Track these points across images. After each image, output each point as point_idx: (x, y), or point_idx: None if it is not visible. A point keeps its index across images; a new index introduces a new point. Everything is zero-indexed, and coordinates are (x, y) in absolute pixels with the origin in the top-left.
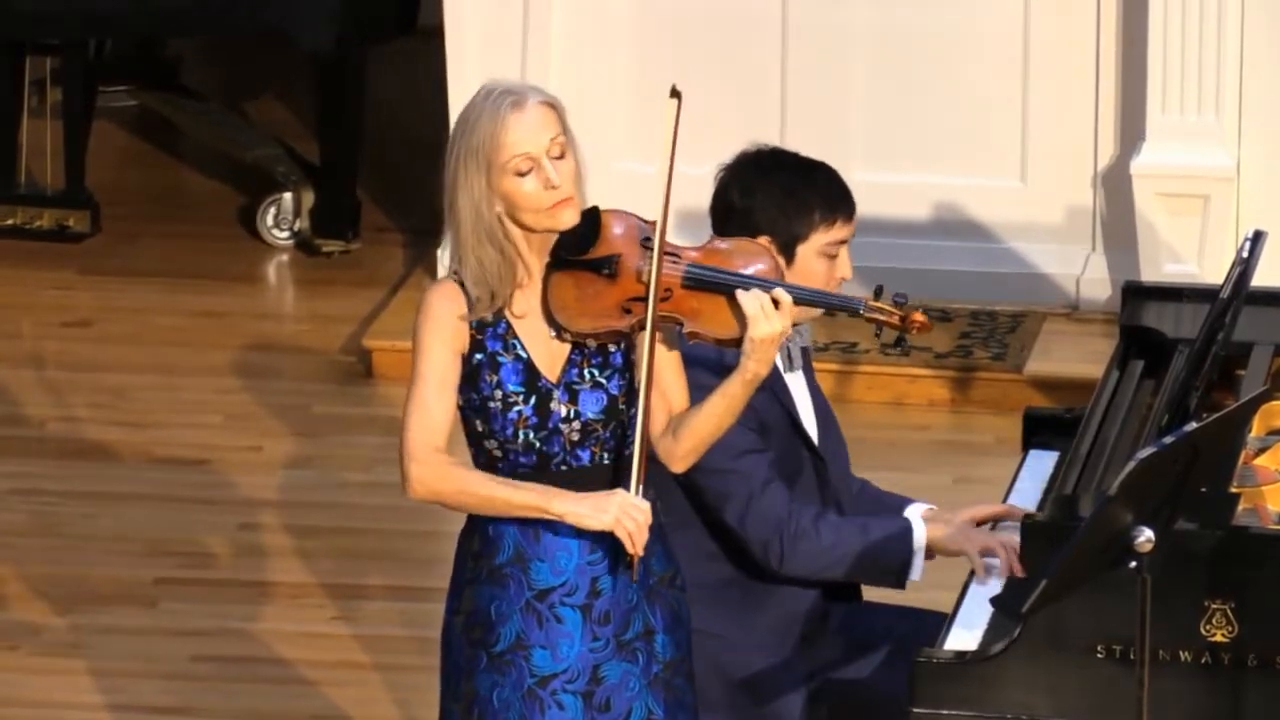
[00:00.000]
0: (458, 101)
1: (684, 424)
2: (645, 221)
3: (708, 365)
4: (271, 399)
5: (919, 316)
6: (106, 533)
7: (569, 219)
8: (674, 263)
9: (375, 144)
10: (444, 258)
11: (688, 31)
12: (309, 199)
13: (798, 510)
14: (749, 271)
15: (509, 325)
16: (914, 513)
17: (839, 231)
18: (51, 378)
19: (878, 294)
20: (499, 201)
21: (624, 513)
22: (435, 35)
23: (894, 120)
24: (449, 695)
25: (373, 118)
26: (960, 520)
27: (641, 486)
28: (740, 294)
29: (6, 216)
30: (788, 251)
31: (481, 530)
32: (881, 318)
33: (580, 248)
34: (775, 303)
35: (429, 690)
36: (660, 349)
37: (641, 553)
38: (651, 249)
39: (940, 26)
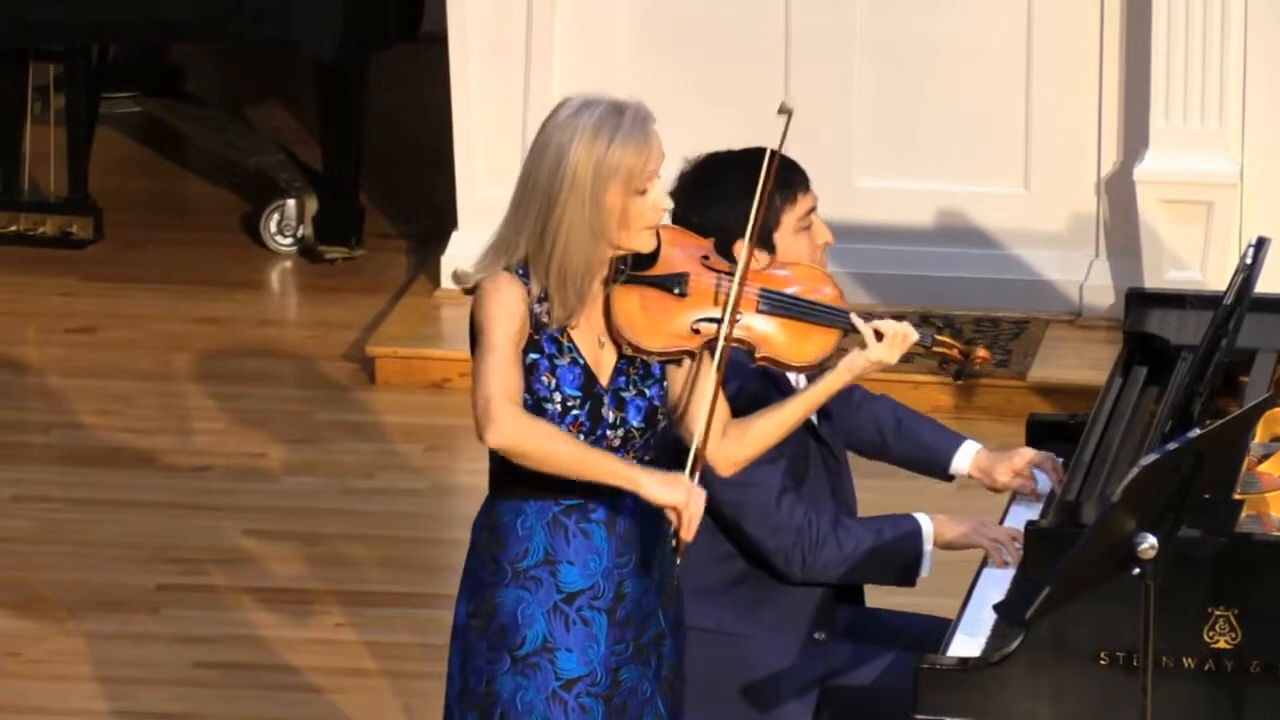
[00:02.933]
0: (460, 108)
1: (751, 429)
2: (698, 237)
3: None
4: (274, 405)
5: (982, 351)
6: (109, 539)
7: (651, 243)
8: (747, 286)
9: (378, 150)
10: (447, 264)
11: (690, 39)
12: (312, 205)
13: (815, 517)
14: (817, 299)
15: (564, 329)
16: (960, 457)
17: (802, 205)
18: (55, 384)
19: (939, 330)
20: (618, 216)
21: (692, 495)
22: (438, 41)
23: (897, 126)
24: (465, 701)
25: (375, 124)
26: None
27: (698, 475)
28: (863, 321)
29: (10, 223)
30: (767, 244)
31: (510, 532)
32: (945, 350)
33: (641, 263)
34: (897, 335)
35: (435, 697)
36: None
37: (690, 539)
38: (711, 268)
39: (943, 32)
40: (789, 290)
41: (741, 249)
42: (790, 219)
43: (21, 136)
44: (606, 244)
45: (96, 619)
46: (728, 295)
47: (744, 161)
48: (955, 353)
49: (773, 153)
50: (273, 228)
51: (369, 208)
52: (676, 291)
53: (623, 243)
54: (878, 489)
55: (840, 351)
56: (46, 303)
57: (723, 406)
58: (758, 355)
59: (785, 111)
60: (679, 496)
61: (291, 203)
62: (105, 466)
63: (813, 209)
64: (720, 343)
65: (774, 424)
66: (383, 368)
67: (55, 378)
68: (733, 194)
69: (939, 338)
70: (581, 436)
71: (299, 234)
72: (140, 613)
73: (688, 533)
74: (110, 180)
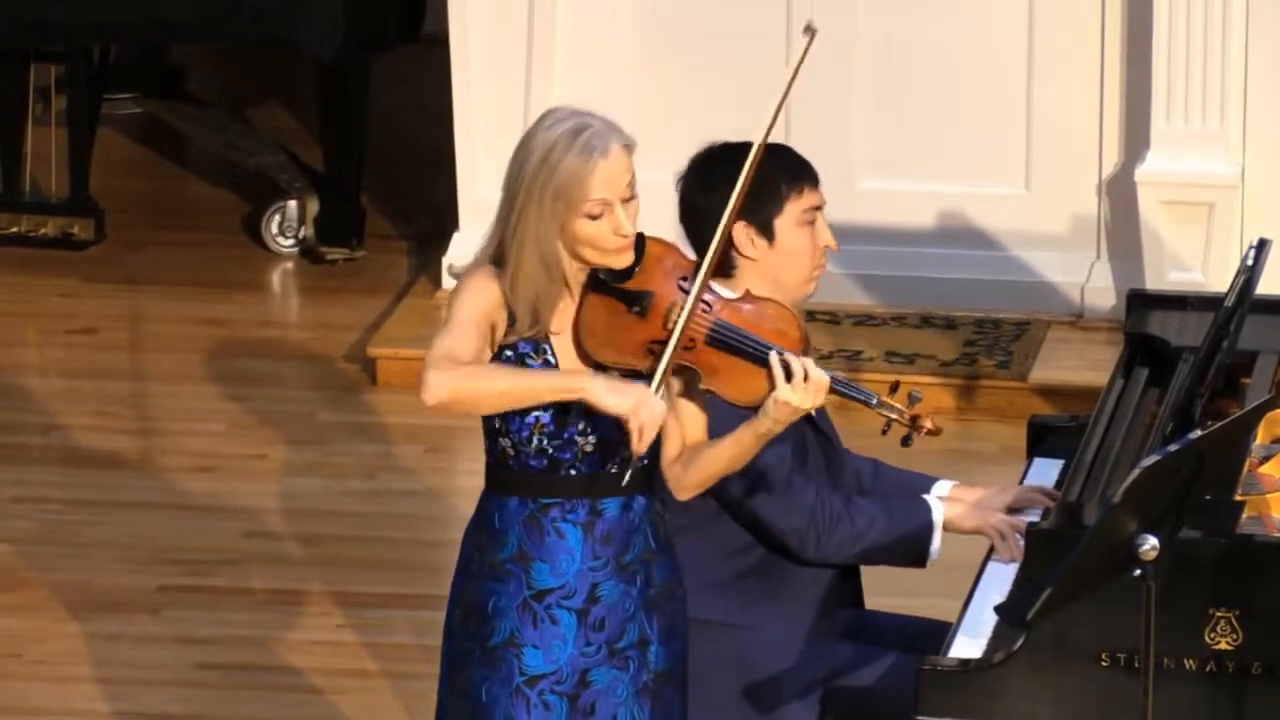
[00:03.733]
0: (462, 109)
1: (696, 458)
2: (687, 258)
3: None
4: (276, 406)
5: (928, 423)
6: (110, 540)
7: (626, 261)
8: (704, 312)
9: (379, 151)
10: (448, 265)
11: (691, 40)
12: (313, 206)
13: (827, 496)
14: (770, 339)
15: (543, 331)
16: (939, 487)
17: (809, 198)
18: (56, 385)
19: (893, 390)
20: (564, 237)
21: (642, 403)
22: (439, 43)
23: (898, 128)
24: (444, 683)
25: (377, 125)
26: (978, 498)
27: (663, 389)
28: (777, 358)
29: (11, 224)
30: (766, 232)
31: (489, 524)
32: (891, 415)
33: (620, 274)
34: (806, 377)
35: (432, 697)
36: (678, 382)
37: (643, 451)
38: (688, 291)
39: (945, 34)
40: (744, 327)
41: (739, 234)
42: (794, 209)
43: (23, 137)
44: (558, 260)
45: (97, 620)
46: (677, 320)
47: (749, 149)
48: (903, 419)
49: (764, 145)
50: (274, 229)
51: (370, 208)
52: (636, 309)
53: (589, 260)
54: None
55: None
56: (47, 304)
57: (696, 428)
58: (701, 385)
59: (809, 31)
60: (626, 403)
61: (293, 204)
62: (106, 468)
63: (819, 207)
64: (664, 359)
65: (711, 459)
66: (384, 369)
67: (56, 379)
68: (736, 179)
69: (885, 399)
70: (545, 440)
71: (300, 235)
72: (141, 614)
73: (638, 443)
74: (111, 181)
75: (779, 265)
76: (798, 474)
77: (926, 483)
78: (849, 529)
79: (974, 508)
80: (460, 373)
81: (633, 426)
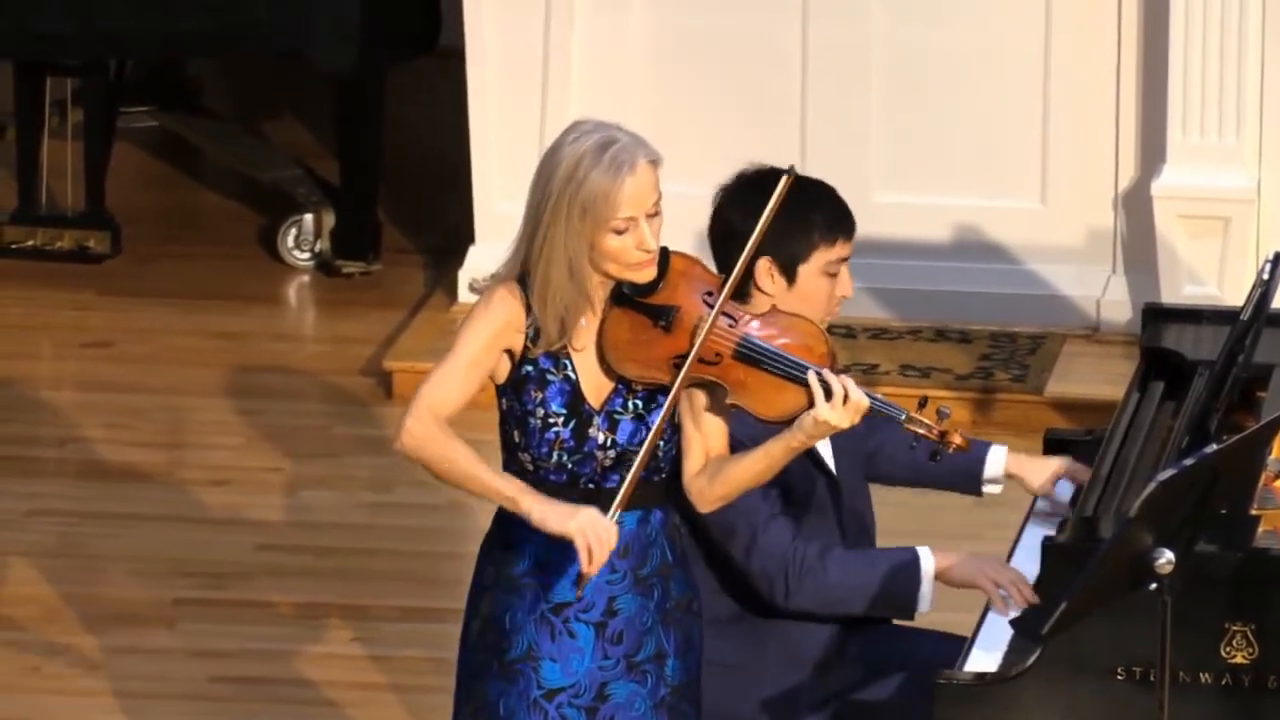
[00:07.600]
0: (478, 122)
1: (721, 470)
2: (711, 273)
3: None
4: (291, 420)
5: (956, 438)
6: (126, 553)
7: (649, 276)
8: (730, 327)
9: (395, 165)
10: (464, 279)
11: (707, 54)
12: (329, 220)
13: (803, 545)
14: (798, 355)
15: (565, 345)
16: (994, 453)
17: (839, 250)
18: (71, 398)
19: (921, 405)
20: (589, 251)
21: (589, 524)
22: (456, 56)
23: (914, 142)
24: (461, 696)
25: (393, 138)
26: (972, 562)
27: (619, 513)
28: (817, 377)
29: (27, 237)
30: (788, 272)
31: (503, 538)
32: (920, 430)
33: (644, 288)
34: (846, 398)
35: (447, 711)
36: (703, 395)
37: (594, 572)
38: (712, 305)
39: (960, 47)
40: (772, 342)
41: (760, 266)
42: (821, 258)
43: (39, 151)
44: (585, 274)
45: (113, 633)
46: (703, 334)
47: (802, 187)
48: (932, 434)
49: (788, 177)
50: (290, 242)
51: (386, 222)
52: (661, 324)
53: (612, 274)
54: (900, 504)
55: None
56: (63, 317)
57: (719, 442)
58: (728, 400)
59: (790, 173)
60: (570, 526)
61: (309, 217)
62: (121, 481)
63: (846, 259)
64: (678, 380)
65: (740, 470)
66: (400, 382)
67: (71, 392)
68: (779, 213)
69: (914, 415)
70: (565, 455)
71: (316, 248)
72: (156, 627)
73: (585, 564)
74: (127, 195)
75: (793, 306)
76: (778, 519)
77: (982, 449)
78: (821, 579)
79: (969, 558)
80: (434, 440)
81: (580, 546)
